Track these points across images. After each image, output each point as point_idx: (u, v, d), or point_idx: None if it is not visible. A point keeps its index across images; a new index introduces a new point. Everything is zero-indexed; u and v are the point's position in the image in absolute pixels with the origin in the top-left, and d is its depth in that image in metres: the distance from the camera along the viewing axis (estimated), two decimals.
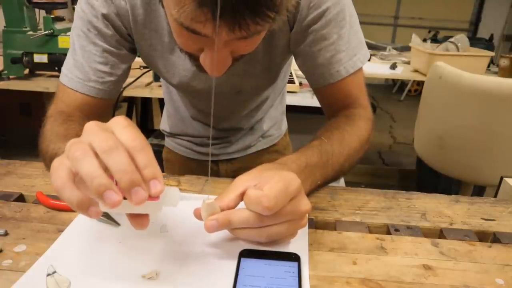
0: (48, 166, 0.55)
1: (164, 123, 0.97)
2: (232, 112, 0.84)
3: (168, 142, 0.97)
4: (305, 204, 0.44)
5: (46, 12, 1.54)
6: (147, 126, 2.49)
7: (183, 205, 0.56)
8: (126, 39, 0.65)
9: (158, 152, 1.15)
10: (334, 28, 0.61)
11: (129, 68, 0.69)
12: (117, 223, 0.50)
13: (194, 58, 0.49)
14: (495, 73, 2.11)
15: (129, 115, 2.42)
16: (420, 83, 4.33)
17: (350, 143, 0.61)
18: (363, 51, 0.66)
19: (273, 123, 0.93)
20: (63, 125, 0.59)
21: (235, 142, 0.90)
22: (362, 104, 0.68)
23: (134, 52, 0.68)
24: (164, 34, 0.64)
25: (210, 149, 0.90)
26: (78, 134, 0.53)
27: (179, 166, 0.95)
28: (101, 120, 0.68)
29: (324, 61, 0.63)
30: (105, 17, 0.61)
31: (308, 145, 0.58)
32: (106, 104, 0.68)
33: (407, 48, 2.55)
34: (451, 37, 2.10)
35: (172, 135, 0.94)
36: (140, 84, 1.58)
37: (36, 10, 1.62)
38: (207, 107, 0.82)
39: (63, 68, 0.66)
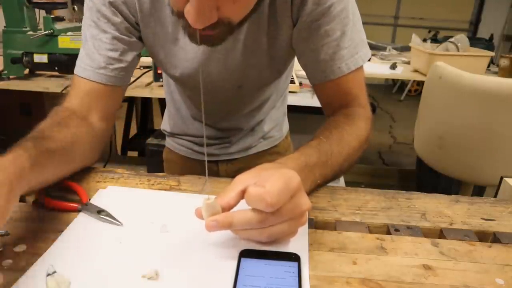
0: None
1: (165, 123, 0.97)
2: (233, 110, 0.84)
3: (169, 142, 0.97)
4: (305, 202, 0.44)
5: (46, 12, 1.54)
6: (147, 126, 2.49)
7: (183, 205, 0.56)
8: (134, 27, 0.66)
9: (158, 152, 1.15)
10: (338, 24, 0.62)
11: (138, 56, 0.70)
12: (119, 222, 0.50)
13: (182, 18, 0.49)
14: (495, 73, 2.11)
15: (129, 115, 2.42)
16: (420, 83, 4.32)
17: (349, 143, 0.61)
18: (364, 49, 0.66)
19: (274, 125, 0.93)
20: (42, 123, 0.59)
21: (236, 143, 0.90)
22: (362, 103, 0.68)
23: (142, 40, 0.69)
24: (168, 25, 0.65)
25: (206, 149, 0.90)
26: (34, 130, 0.53)
27: (180, 166, 0.95)
28: (108, 108, 0.69)
29: (326, 56, 0.64)
30: (112, 4, 0.62)
31: (307, 144, 0.58)
32: (117, 92, 0.68)
33: (407, 48, 2.54)
34: (451, 37, 2.10)
35: (173, 135, 0.95)
36: (140, 84, 1.58)
37: (36, 10, 1.62)
38: (208, 104, 0.83)
39: (76, 61, 0.67)
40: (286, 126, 0.99)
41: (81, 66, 0.65)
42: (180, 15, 0.49)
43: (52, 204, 0.54)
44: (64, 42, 1.51)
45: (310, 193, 0.57)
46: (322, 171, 0.56)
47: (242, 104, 0.83)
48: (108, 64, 0.64)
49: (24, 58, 1.54)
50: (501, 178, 0.68)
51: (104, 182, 0.62)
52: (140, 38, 0.68)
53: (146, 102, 2.44)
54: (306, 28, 0.62)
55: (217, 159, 0.90)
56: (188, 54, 0.67)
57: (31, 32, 1.53)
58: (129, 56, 0.67)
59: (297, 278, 0.41)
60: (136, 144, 2.41)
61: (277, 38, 0.66)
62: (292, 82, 1.64)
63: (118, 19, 0.63)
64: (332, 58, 0.63)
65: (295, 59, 0.76)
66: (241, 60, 0.67)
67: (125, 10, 0.63)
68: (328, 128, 0.63)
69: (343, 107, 0.68)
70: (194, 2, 0.44)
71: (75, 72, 0.67)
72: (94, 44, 0.64)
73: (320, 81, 0.67)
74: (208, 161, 0.91)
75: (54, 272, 0.41)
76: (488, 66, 2.15)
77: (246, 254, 0.45)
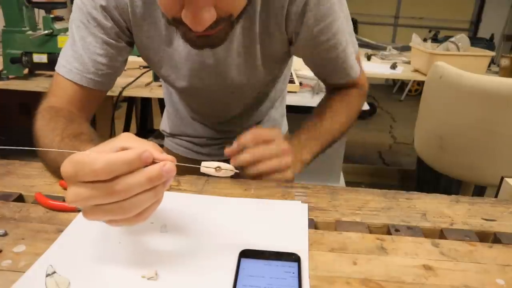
0: (44, 161, 0.55)
1: (164, 124, 0.97)
2: (230, 112, 0.84)
3: (168, 143, 0.98)
4: (288, 159, 0.60)
5: (46, 12, 1.54)
6: (146, 126, 2.48)
7: (183, 205, 0.56)
8: (124, 33, 0.65)
9: None
10: (342, 36, 0.66)
11: (125, 61, 0.70)
12: None
13: (181, 25, 0.49)
14: (496, 73, 2.11)
15: (129, 115, 2.42)
16: (420, 83, 4.32)
17: (339, 119, 0.75)
18: (356, 45, 0.73)
19: (272, 125, 0.93)
20: (50, 123, 0.59)
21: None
22: (359, 83, 0.78)
23: (131, 45, 0.69)
24: (161, 27, 0.65)
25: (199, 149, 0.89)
26: (64, 129, 0.53)
27: (179, 167, 0.95)
28: (90, 110, 0.69)
29: (335, 67, 0.71)
30: (104, 9, 0.61)
31: (301, 128, 0.72)
32: (100, 96, 0.69)
33: (407, 48, 2.54)
34: (452, 37, 2.10)
35: (172, 135, 0.95)
36: (140, 84, 1.58)
37: (36, 9, 1.61)
38: (204, 107, 0.83)
39: (60, 59, 0.65)
40: (284, 127, 0.99)
41: (66, 67, 0.64)
42: (177, 22, 0.49)
43: (51, 205, 0.54)
44: (64, 42, 1.50)
45: (313, 158, 0.70)
46: (316, 142, 0.70)
47: (238, 107, 0.83)
48: (97, 69, 0.64)
49: (24, 58, 1.54)
50: (502, 178, 0.68)
51: None
52: (128, 43, 0.67)
53: (146, 102, 2.44)
54: (311, 44, 0.65)
55: (216, 159, 0.90)
56: (182, 56, 0.67)
57: (30, 32, 1.53)
58: (118, 62, 0.67)
59: (297, 278, 0.41)
60: None
61: (270, 47, 0.66)
62: (292, 82, 1.64)
63: (108, 23, 0.62)
64: (341, 67, 0.71)
65: (292, 60, 0.78)
66: (234, 65, 0.67)
67: (117, 15, 0.63)
68: (323, 110, 0.75)
69: (345, 88, 0.78)
70: (191, 5, 0.44)
71: (59, 71, 0.65)
72: (83, 46, 0.63)
73: (332, 84, 0.77)
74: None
75: (54, 272, 0.41)
76: (489, 66, 2.15)
77: (246, 254, 0.44)
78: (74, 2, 0.63)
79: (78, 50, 0.63)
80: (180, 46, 0.66)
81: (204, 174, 0.57)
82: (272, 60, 0.69)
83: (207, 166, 0.43)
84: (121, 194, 0.36)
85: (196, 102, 0.82)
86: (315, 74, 0.78)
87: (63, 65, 0.64)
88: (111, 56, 0.65)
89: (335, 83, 0.76)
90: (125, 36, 0.66)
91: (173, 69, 0.70)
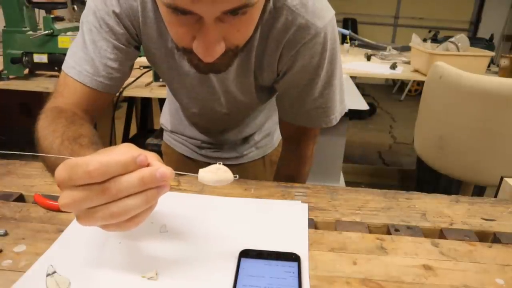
0: (44, 162, 0.55)
1: (165, 119, 0.98)
2: (223, 126, 0.87)
3: (167, 137, 0.98)
4: None
5: (46, 12, 1.54)
6: (146, 126, 2.48)
7: (183, 205, 0.56)
8: (133, 38, 0.67)
9: (158, 152, 1.16)
10: (320, 87, 0.67)
11: (133, 65, 0.71)
12: None
13: (189, 53, 0.50)
14: (495, 73, 2.11)
15: (129, 115, 2.42)
16: (420, 83, 4.33)
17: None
18: (338, 111, 0.72)
19: (265, 134, 0.94)
20: (51, 124, 0.59)
21: (228, 150, 0.91)
22: (316, 134, 0.79)
23: (138, 49, 0.70)
24: (168, 39, 0.65)
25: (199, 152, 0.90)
26: (64, 132, 0.53)
27: (177, 161, 0.96)
28: (96, 112, 0.70)
29: (303, 110, 0.70)
30: (117, 15, 0.62)
31: None
32: (108, 98, 0.70)
33: (407, 48, 2.54)
34: (451, 37, 2.10)
35: (172, 131, 0.96)
36: (140, 84, 1.58)
37: (36, 10, 1.61)
38: (202, 119, 0.85)
39: (69, 59, 0.65)
40: (277, 136, 0.99)
41: (76, 69, 0.64)
42: (186, 50, 0.50)
43: (50, 205, 0.54)
44: (64, 42, 1.51)
45: None
46: None
47: (231, 123, 0.86)
48: (108, 73, 0.65)
49: (24, 58, 1.54)
50: (501, 178, 0.68)
51: None
52: (136, 47, 0.69)
53: (146, 102, 2.44)
54: (291, 84, 0.66)
55: (213, 161, 0.91)
56: (184, 71, 0.68)
57: (31, 32, 1.53)
58: (127, 66, 0.68)
59: (297, 278, 0.41)
60: (136, 144, 2.38)
61: (261, 80, 0.68)
62: None
63: (120, 30, 0.63)
64: (309, 115, 0.70)
65: None
66: (231, 88, 0.69)
67: (128, 23, 0.64)
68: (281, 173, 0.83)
69: (299, 141, 0.79)
70: (202, 38, 0.45)
71: (68, 72, 0.65)
72: (94, 50, 0.64)
73: (291, 122, 0.73)
74: (205, 162, 0.92)
75: (54, 272, 0.41)
76: (488, 66, 2.15)
77: (246, 254, 0.45)
78: (87, 3, 0.64)
79: (89, 53, 0.64)
80: (183, 60, 0.67)
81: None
82: (263, 90, 0.72)
83: (206, 172, 0.43)
84: (113, 193, 0.35)
85: (193, 113, 0.83)
86: (283, 112, 0.75)
87: (72, 67, 0.65)
88: (121, 60, 0.66)
89: (297, 124, 0.73)
90: (134, 41, 0.67)
91: (176, 79, 0.71)
